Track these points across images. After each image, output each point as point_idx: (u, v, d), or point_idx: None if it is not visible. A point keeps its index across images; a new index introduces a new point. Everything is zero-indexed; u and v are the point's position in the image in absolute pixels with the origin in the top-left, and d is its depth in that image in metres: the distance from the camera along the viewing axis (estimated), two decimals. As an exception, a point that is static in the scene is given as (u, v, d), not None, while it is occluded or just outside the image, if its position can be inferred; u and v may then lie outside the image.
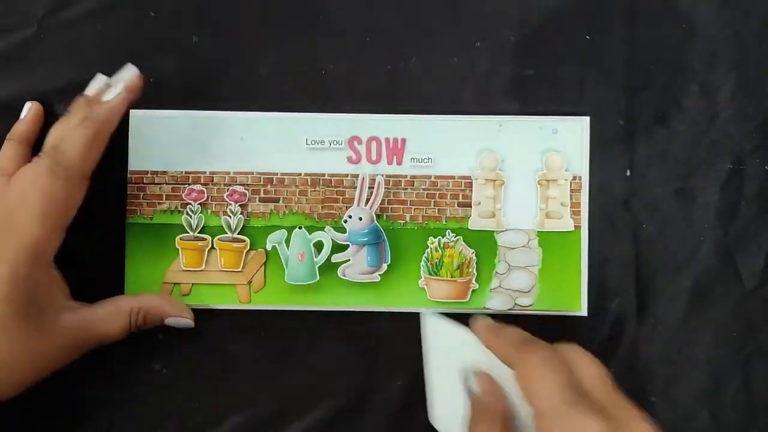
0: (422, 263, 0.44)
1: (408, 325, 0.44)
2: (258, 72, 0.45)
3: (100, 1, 0.45)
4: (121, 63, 0.44)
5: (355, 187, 0.44)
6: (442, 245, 0.44)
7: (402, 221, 0.44)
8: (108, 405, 0.44)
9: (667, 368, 0.44)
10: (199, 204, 0.44)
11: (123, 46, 0.45)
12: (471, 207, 0.44)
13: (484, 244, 0.44)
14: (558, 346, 0.36)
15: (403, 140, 0.44)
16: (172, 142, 0.44)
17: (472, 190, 0.44)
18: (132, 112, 0.44)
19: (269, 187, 0.44)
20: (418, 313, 0.42)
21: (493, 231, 0.44)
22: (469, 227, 0.44)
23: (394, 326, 0.44)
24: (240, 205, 0.44)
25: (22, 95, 0.44)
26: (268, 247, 0.44)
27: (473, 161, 0.44)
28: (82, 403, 0.44)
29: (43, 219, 0.37)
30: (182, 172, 0.44)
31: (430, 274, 0.44)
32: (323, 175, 0.44)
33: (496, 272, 0.44)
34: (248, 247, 0.44)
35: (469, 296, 0.44)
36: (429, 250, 0.44)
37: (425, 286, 0.44)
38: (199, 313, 0.43)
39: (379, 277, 0.43)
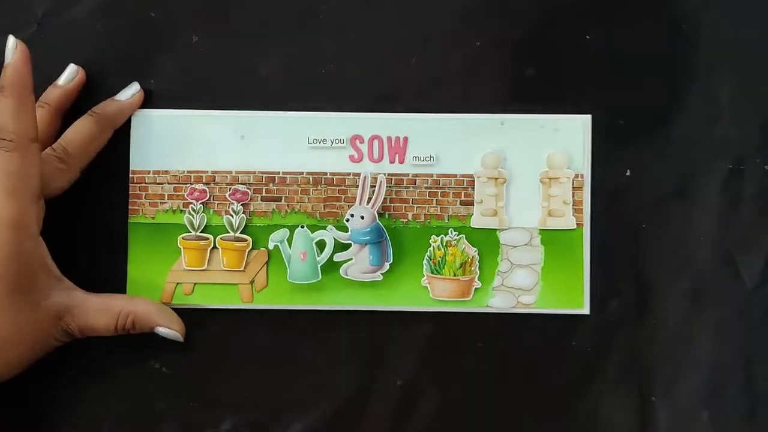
0: (425, 262, 0.44)
1: (410, 325, 0.44)
2: (258, 72, 0.45)
3: (100, 1, 0.45)
4: (121, 63, 0.45)
5: (357, 186, 0.44)
6: (444, 244, 0.44)
7: (404, 220, 0.44)
8: (107, 403, 0.44)
9: (667, 369, 0.44)
10: (201, 203, 0.44)
11: (123, 46, 0.45)
12: (473, 205, 0.44)
13: (487, 242, 0.44)
14: None
15: (405, 139, 0.44)
16: (174, 141, 0.44)
17: (474, 188, 0.44)
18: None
19: (271, 186, 0.44)
20: (421, 313, 0.42)
21: (496, 229, 0.44)
22: (471, 226, 0.44)
23: (396, 325, 0.44)
24: (242, 205, 0.44)
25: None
26: (271, 246, 0.44)
27: (475, 160, 0.44)
28: (81, 402, 0.43)
29: (7, 195, 0.37)
30: (184, 171, 0.44)
31: (432, 273, 0.44)
32: (325, 173, 0.44)
33: (499, 270, 0.44)
34: (250, 247, 0.44)
35: (471, 295, 0.44)
36: (431, 248, 0.44)
37: (428, 285, 0.44)
38: (202, 313, 0.43)
39: (382, 276, 0.43)
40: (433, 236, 0.44)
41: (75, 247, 0.43)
